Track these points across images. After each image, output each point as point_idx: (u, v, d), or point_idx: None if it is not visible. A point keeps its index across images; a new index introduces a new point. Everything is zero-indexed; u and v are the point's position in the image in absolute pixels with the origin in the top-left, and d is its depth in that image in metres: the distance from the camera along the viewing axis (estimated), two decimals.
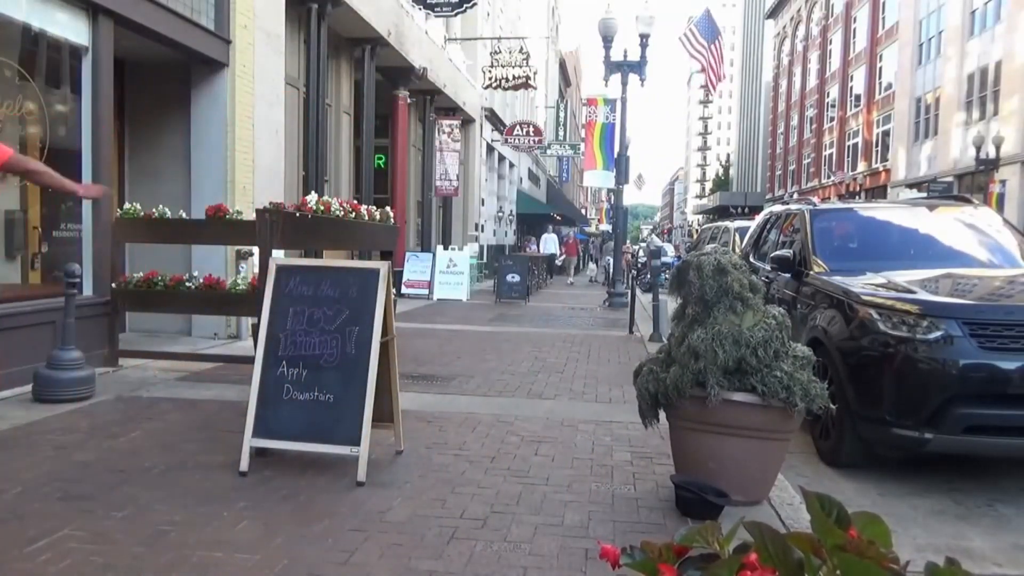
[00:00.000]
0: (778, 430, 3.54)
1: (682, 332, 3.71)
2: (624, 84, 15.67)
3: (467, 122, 20.86)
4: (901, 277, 4.92)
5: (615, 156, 16.84)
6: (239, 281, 6.48)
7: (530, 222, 36.24)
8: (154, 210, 6.43)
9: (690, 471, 3.60)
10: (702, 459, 3.58)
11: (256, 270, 6.69)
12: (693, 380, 3.48)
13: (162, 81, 8.38)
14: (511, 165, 29.51)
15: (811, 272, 5.59)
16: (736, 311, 3.55)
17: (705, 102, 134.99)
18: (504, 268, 15.74)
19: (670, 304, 5.43)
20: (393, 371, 4.17)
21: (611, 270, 17.89)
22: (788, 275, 5.91)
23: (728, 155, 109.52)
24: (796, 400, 3.37)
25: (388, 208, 7.34)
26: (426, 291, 15.55)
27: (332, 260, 6.10)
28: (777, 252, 6.22)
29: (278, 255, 5.35)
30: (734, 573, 1.11)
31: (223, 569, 2.73)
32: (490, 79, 20.64)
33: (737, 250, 8.49)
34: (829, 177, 45.42)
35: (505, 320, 12.03)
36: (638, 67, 15.52)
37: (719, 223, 15.05)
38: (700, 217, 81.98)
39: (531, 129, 23.88)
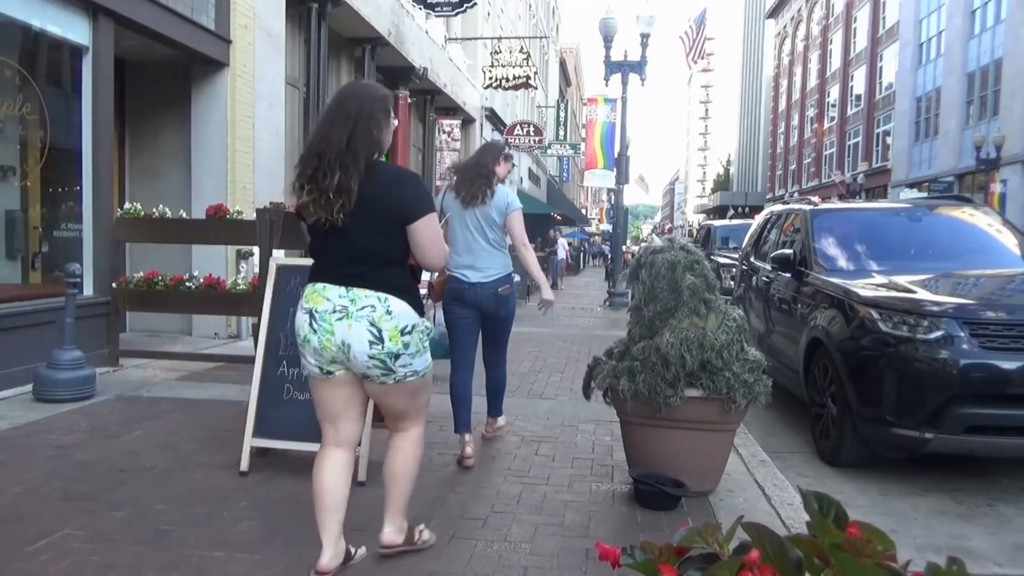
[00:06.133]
0: (722, 422, 3.72)
1: (645, 327, 3.86)
2: (624, 84, 15.68)
3: (467, 122, 20.85)
4: (901, 277, 4.92)
5: (615, 156, 16.85)
6: (239, 281, 6.47)
7: (530, 222, 36.11)
8: (154, 210, 6.43)
9: (643, 465, 3.71)
10: (654, 452, 3.73)
11: (256, 270, 6.69)
12: (668, 386, 3.66)
13: (162, 81, 8.38)
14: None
15: (811, 272, 5.59)
16: (699, 313, 3.73)
17: (706, 102, 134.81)
18: None
19: None
20: None
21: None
22: (788, 275, 5.91)
23: (728, 155, 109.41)
24: (736, 396, 3.60)
25: None
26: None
27: None
28: (777, 252, 6.22)
29: (278, 255, 5.35)
30: (735, 573, 1.11)
31: (223, 569, 2.73)
32: (490, 79, 20.64)
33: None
34: (829, 177, 45.41)
35: None
36: (638, 67, 15.53)
37: (708, 222, 16.44)
38: (701, 217, 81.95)
39: (531, 129, 23.86)
